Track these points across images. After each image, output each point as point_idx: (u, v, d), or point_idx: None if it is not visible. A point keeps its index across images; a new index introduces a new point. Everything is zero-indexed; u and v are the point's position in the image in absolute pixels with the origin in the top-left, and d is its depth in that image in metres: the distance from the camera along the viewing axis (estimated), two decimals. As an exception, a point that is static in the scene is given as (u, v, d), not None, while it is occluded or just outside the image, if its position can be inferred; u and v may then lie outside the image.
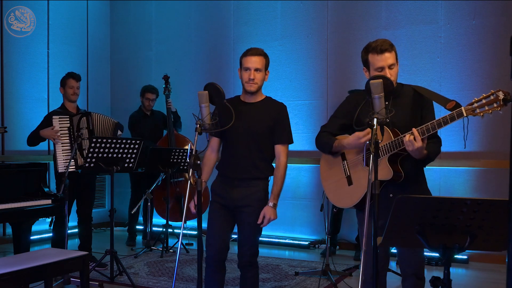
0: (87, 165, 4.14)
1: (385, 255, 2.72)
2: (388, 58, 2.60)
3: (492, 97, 2.25)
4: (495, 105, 2.25)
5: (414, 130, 2.40)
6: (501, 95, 2.23)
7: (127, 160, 4.36)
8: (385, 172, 2.54)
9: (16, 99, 6.10)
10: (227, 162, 3.07)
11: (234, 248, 3.12)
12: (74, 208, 4.78)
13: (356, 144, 2.62)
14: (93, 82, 7.09)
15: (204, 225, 2.81)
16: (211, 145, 3.14)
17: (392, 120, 2.48)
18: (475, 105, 2.29)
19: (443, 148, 2.70)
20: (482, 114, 2.28)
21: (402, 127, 2.57)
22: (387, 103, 2.32)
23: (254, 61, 2.97)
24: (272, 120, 3.03)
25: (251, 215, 2.99)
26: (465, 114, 2.31)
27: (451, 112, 2.35)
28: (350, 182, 2.76)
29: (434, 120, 2.41)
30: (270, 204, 2.99)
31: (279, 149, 3.06)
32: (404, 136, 2.44)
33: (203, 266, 2.71)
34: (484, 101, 2.27)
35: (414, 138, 2.40)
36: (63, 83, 4.79)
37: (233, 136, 3.00)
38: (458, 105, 2.37)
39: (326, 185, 2.90)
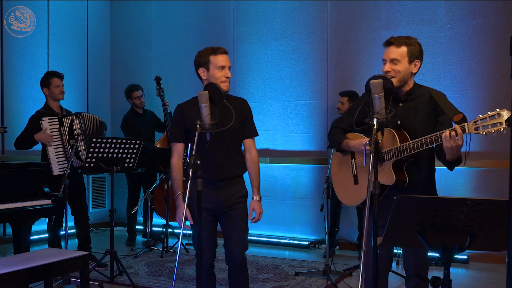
0: (87, 165, 4.15)
1: (387, 255, 2.72)
2: (392, 52, 2.62)
3: (496, 117, 2.20)
4: (498, 125, 2.19)
5: (457, 126, 2.30)
6: (505, 116, 2.17)
7: (127, 160, 4.36)
8: (388, 177, 2.54)
9: (16, 99, 6.10)
10: (206, 165, 2.79)
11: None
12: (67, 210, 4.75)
13: (359, 148, 2.66)
14: (93, 82, 7.09)
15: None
16: (178, 151, 2.98)
17: (403, 121, 2.46)
18: (479, 122, 2.25)
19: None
20: (484, 133, 2.24)
21: (413, 130, 2.56)
22: (398, 104, 2.30)
23: (227, 59, 2.93)
24: (242, 116, 2.98)
25: (242, 211, 2.98)
26: (467, 131, 2.27)
27: (453, 127, 2.31)
28: (356, 181, 2.78)
29: (438, 133, 2.37)
30: (257, 198, 2.99)
31: (250, 143, 3.05)
32: (444, 132, 2.34)
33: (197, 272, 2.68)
34: (488, 119, 2.22)
35: (456, 134, 2.30)
36: (47, 83, 4.64)
37: (211, 137, 2.81)
38: (464, 119, 2.33)
39: (334, 180, 2.95)
